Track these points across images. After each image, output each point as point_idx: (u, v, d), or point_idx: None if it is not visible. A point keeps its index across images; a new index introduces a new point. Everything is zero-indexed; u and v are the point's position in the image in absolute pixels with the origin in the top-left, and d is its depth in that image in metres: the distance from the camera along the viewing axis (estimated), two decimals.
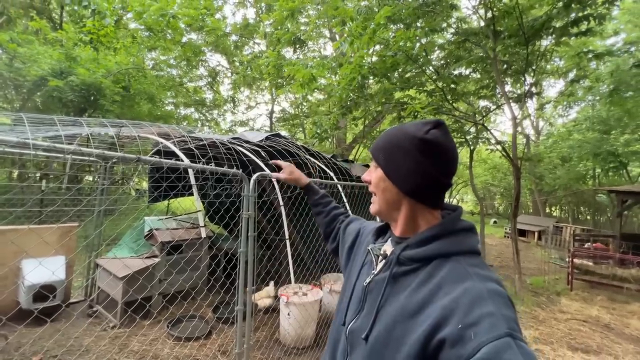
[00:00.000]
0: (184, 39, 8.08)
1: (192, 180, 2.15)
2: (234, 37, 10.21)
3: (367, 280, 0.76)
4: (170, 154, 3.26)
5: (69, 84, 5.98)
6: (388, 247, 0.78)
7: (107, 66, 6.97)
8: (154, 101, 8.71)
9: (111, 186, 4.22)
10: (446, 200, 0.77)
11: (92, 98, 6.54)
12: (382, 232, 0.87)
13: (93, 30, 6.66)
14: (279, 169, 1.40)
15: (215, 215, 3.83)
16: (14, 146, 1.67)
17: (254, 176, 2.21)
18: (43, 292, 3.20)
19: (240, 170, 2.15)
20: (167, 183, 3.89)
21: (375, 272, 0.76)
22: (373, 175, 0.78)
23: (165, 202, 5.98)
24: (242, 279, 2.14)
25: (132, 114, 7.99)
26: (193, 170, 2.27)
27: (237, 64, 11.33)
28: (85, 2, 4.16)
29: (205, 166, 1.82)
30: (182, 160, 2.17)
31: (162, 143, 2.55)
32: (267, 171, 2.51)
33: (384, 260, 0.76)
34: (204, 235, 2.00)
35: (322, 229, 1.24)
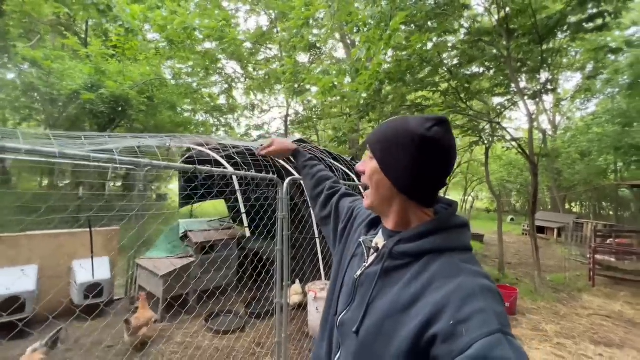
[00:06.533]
0: (203, 48, 8.44)
1: (237, 186, 2.37)
2: (248, 45, 10.54)
3: (358, 273, 0.75)
4: (202, 162, 3.52)
5: (100, 96, 6.40)
6: (380, 240, 0.77)
7: (132, 78, 7.38)
8: (174, 109, 9.13)
9: (145, 193, 4.53)
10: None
11: (120, 109, 6.95)
12: (374, 224, 0.86)
13: (119, 45, 7.09)
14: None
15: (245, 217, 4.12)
16: (82, 159, 1.93)
17: (287, 180, 2.42)
18: (92, 289, 3.51)
19: (276, 175, 2.37)
20: (203, 189, 4.16)
21: (367, 265, 0.75)
22: (368, 166, 0.76)
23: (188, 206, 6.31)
24: (279, 274, 2.35)
25: (156, 122, 8.40)
26: (237, 177, 2.50)
27: (251, 69, 11.68)
28: (120, 21, 4.48)
29: (247, 173, 2.04)
30: (227, 169, 2.40)
31: (211, 155, 2.79)
32: (296, 175, 2.72)
33: (375, 254, 0.75)
34: (248, 233, 2.21)
35: (308, 192, 1.21)
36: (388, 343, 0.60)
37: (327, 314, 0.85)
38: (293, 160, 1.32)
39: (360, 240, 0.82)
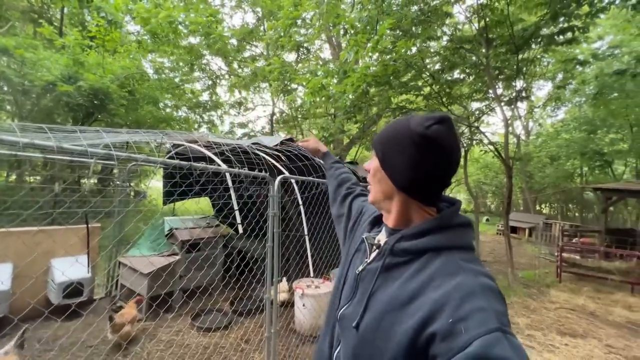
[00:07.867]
0: (188, 43, 8.27)
1: (230, 184, 2.38)
2: (233, 41, 10.42)
3: (360, 268, 0.76)
4: (189, 159, 3.49)
5: (78, 89, 6.13)
6: (382, 237, 0.78)
7: (112, 71, 7.12)
8: (156, 104, 8.87)
9: (126, 190, 4.42)
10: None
11: (99, 103, 6.69)
12: (377, 221, 0.88)
13: (99, 36, 6.81)
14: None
15: (228, 216, 4.08)
16: (79, 154, 1.89)
17: (278, 178, 2.46)
18: (72, 288, 3.40)
19: (268, 173, 2.41)
20: (198, 186, 4.10)
21: (368, 261, 0.76)
22: (372, 164, 0.79)
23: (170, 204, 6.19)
24: (269, 271, 2.39)
25: (136, 117, 8.15)
26: (231, 175, 2.52)
27: (236, 66, 11.55)
28: (102, 12, 4.32)
29: (240, 170, 2.07)
30: (220, 166, 2.42)
31: (208, 154, 2.77)
32: (287, 174, 2.77)
33: (377, 250, 0.76)
34: (241, 230, 2.22)
35: (330, 192, 1.26)
36: (386, 338, 0.60)
37: (331, 308, 0.86)
38: (322, 161, 1.46)
39: (363, 236, 0.83)
